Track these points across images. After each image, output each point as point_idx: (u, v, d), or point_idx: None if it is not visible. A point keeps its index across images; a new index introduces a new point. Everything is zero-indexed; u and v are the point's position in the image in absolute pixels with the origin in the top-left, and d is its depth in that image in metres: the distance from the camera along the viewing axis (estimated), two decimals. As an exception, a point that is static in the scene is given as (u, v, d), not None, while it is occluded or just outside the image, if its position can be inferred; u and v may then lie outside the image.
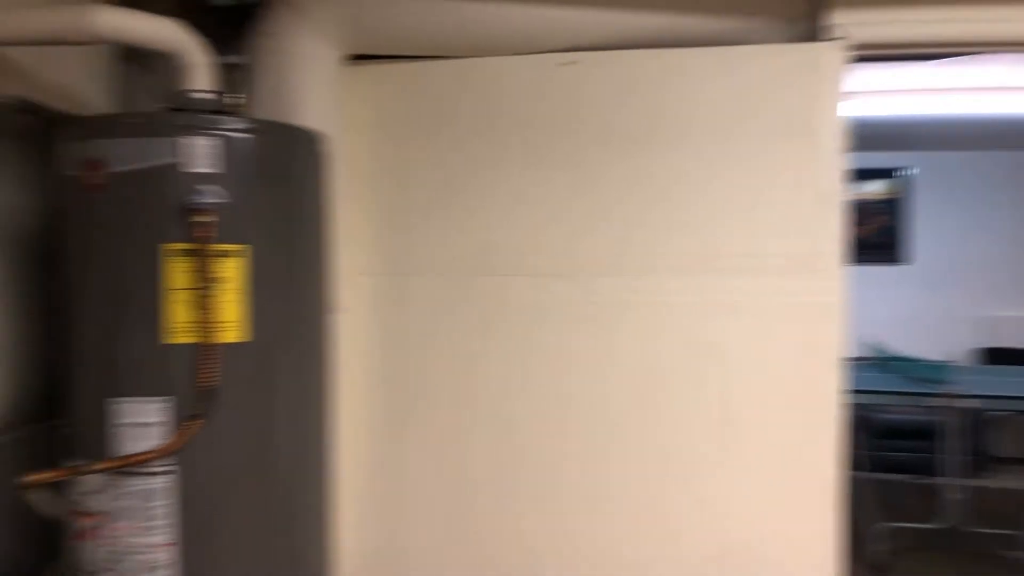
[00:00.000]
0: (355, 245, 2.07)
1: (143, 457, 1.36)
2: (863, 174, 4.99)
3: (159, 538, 1.37)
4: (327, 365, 1.68)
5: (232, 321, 1.42)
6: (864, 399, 3.42)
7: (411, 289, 2.13)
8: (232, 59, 1.98)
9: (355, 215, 2.08)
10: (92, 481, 1.40)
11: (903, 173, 5.11)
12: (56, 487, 1.44)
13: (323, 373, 1.66)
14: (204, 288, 1.38)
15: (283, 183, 1.54)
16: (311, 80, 1.97)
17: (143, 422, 1.37)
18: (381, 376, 2.15)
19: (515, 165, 2.08)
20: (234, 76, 1.98)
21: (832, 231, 1.88)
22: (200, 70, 1.54)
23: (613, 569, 2.05)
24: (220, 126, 1.44)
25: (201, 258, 1.37)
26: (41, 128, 1.65)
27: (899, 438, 4.19)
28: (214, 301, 1.39)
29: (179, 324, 1.38)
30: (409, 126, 2.15)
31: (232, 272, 1.41)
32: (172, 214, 1.37)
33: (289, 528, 1.53)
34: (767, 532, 1.97)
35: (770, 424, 1.94)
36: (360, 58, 2.10)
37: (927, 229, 5.14)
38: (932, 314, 5.09)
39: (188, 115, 1.46)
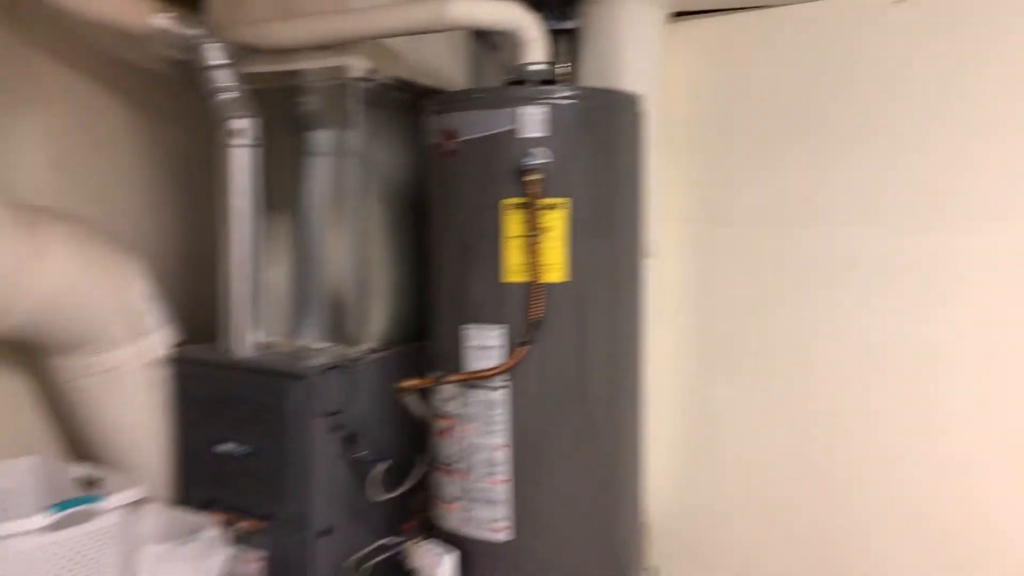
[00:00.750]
0: (671, 195, 2.21)
1: (485, 373, 1.66)
2: None
3: (498, 440, 1.68)
4: (639, 306, 1.86)
5: (555, 264, 1.65)
6: None
7: (727, 238, 2.23)
8: (565, 25, 2.22)
9: (672, 166, 2.21)
10: (448, 391, 1.74)
11: None
12: (422, 394, 1.82)
13: (636, 313, 1.84)
14: (533, 236, 1.63)
15: (603, 143, 1.74)
16: (636, 41, 2.13)
17: (485, 345, 1.68)
18: (695, 323, 2.29)
19: (838, 116, 2.06)
20: (565, 41, 2.21)
21: None
22: (535, 44, 1.78)
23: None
24: (550, 95, 1.67)
25: (531, 211, 1.62)
26: (412, 102, 2.02)
27: None
28: (541, 247, 1.64)
29: (513, 266, 1.66)
30: (728, 78, 2.22)
31: (556, 222, 1.65)
32: (509, 174, 1.64)
33: (603, 445, 1.76)
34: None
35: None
36: (679, 15, 2.21)
37: None
38: None
39: (524, 87, 1.71)
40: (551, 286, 1.66)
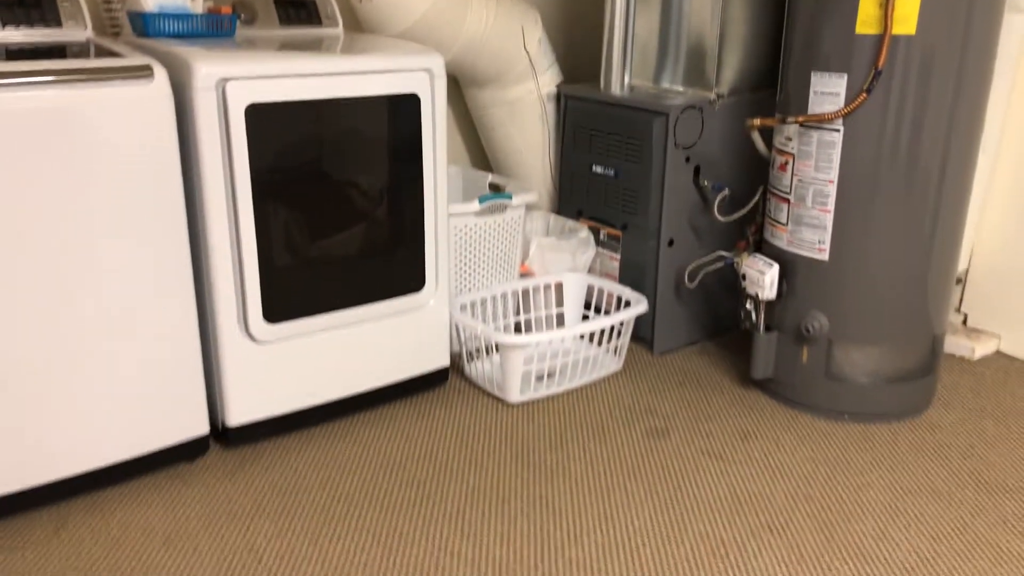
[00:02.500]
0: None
1: (825, 116, 1.90)
2: None
3: (828, 176, 1.95)
4: (990, 68, 1.91)
5: (908, 16, 1.78)
6: None
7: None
8: None
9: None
10: (789, 130, 2.01)
11: None
12: (765, 132, 2.11)
13: (985, 75, 1.90)
14: (888, -11, 1.77)
15: None
16: None
17: (828, 91, 1.90)
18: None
19: None
20: None
21: None
22: None
23: None
24: None
25: (888, -36, 1.74)
26: None
27: None
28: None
29: (867, 17, 1.82)
30: None
31: (913, -25, 1.75)
32: (870, -73, 1.75)
33: (923, 197, 1.94)
34: None
35: None
36: None
37: None
38: None
39: None
40: (899, 38, 1.80)
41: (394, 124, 1.88)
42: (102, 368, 1.61)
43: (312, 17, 2.21)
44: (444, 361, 2.12)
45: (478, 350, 2.20)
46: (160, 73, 1.57)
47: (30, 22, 1.82)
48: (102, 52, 1.64)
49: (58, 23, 1.83)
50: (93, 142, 1.50)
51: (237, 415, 1.84)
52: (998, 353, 2.48)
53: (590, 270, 2.51)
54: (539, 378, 2.22)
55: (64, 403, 1.59)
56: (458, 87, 2.68)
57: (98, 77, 1.49)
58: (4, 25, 1.78)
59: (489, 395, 2.16)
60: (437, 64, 1.92)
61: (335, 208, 1.85)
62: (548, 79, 2.59)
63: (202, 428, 1.79)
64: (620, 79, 2.46)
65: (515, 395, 2.11)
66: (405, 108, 1.88)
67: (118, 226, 1.57)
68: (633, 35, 2.47)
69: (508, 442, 1.95)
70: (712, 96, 2.34)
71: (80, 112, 1.48)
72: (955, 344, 2.48)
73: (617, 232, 2.46)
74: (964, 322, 2.55)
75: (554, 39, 2.69)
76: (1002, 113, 2.30)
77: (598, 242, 2.51)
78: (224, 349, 1.78)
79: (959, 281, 2.54)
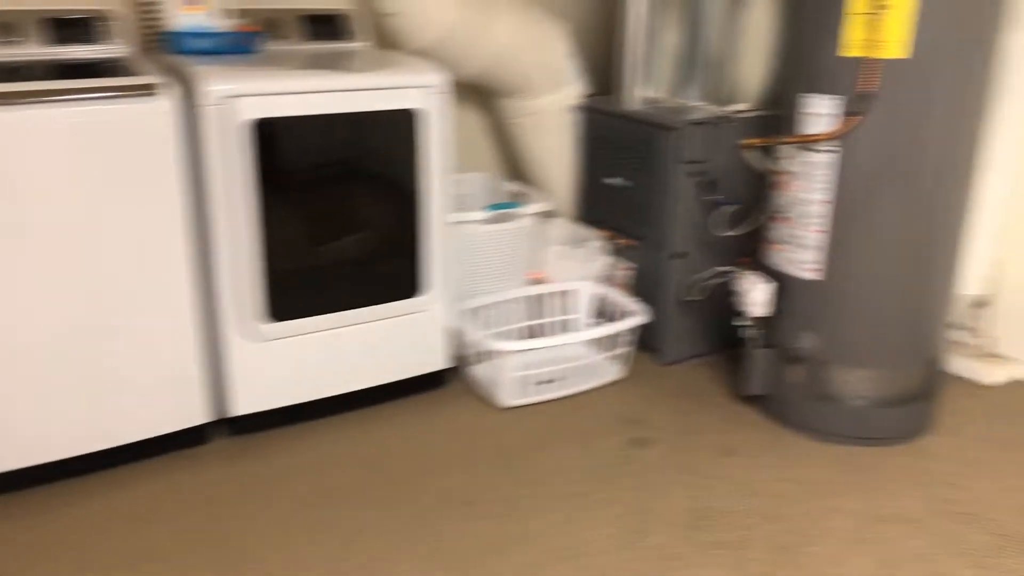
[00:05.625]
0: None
1: (812, 137, 1.91)
2: None
3: (818, 196, 1.95)
4: (991, 84, 1.87)
5: (895, 40, 1.77)
6: None
7: None
8: None
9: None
10: (784, 150, 2.02)
11: None
12: (765, 151, 2.12)
13: (984, 91, 1.87)
14: (875, 12, 1.76)
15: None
16: None
17: (818, 113, 1.90)
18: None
19: None
20: None
21: None
22: None
23: None
24: None
25: (875, -12, 1.74)
26: None
27: None
28: (882, 23, 1.76)
29: (853, 41, 1.81)
30: None
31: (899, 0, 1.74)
32: (858, -49, 1.75)
33: (918, 218, 1.91)
34: None
35: None
36: None
37: None
38: None
39: None
40: (888, 61, 1.79)
41: (393, 137, 1.99)
42: (108, 360, 1.80)
43: (338, 32, 2.35)
44: (440, 364, 2.23)
45: (479, 354, 2.29)
46: (166, 91, 1.73)
47: (78, 40, 2.03)
48: (128, 70, 1.81)
49: (104, 40, 2.03)
50: (106, 154, 1.68)
51: (241, 405, 2.00)
52: (1017, 381, 2.40)
53: (610, 279, 2.56)
54: (542, 382, 2.30)
55: (73, 387, 1.78)
56: (485, 99, 2.78)
57: (109, 95, 1.66)
58: (53, 43, 1.99)
59: (484, 399, 2.25)
60: (437, 81, 2.02)
61: (337, 215, 1.98)
62: (574, 91, 2.66)
63: (201, 418, 1.95)
64: (634, 92, 2.51)
65: (506, 399, 2.20)
66: (404, 122, 1.99)
67: (124, 230, 1.74)
68: (651, 49, 2.51)
69: (491, 445, 2.04)
70: (727, 111, 2.36)
71: (97, 126, 1.65)
72: (969, 368, 2.42)
73: (633, 243, 2.51)
74: (985, 347, 2.48)
75: (584, 52, 2.75)
76: (1017, 131, 2.22)
77: (616, 252, 2.56)
78: (231, 344, 1.94)
79: (983, 304, 2.47)
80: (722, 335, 2.55)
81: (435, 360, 2.22)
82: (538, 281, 2.50)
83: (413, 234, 2.08)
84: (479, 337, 2.18)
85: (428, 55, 2.28)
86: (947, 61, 1.80)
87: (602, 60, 2.80)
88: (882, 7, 1.76)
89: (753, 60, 2.41)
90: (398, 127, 1.99)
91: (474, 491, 1.85)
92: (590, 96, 2.68)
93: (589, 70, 2.73)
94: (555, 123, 2.67)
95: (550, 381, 2.30)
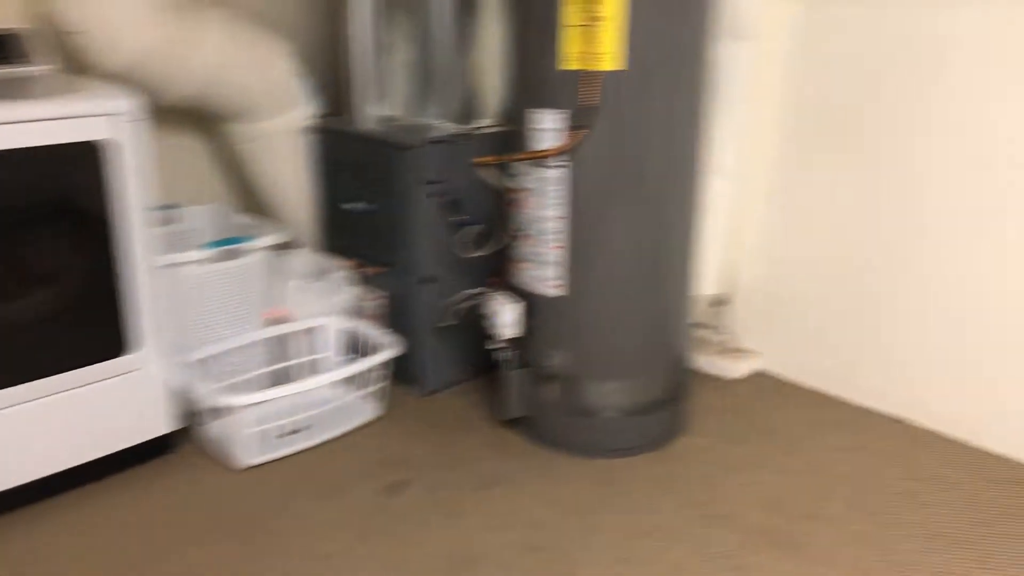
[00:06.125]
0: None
1: (540, 154, 1.87)
2: None
3: (553, 212, 1.91)
4: (706, 91, 1.93)
5: (610, 52, 1.77)
6: None
7: (840, 19, 2.17)
8: None
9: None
10: (517, 167, 1.97)
11: None
12: (502, 169, 2.07)
13: (700, 98, 1.92)
14: (589, 24, 1.75)
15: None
16: None
17: (544, 128, 1.87)
18: (793, 108, 2.30)
19: None
20: None
21: None
22: None
23: (983, 299, 2.05)
24: None
25: (587, 1, 1.72)
26: None
27: None
28: (596, 35, 1.75)
29: (570, 54, 1.79)
30: None
31: (612, 11, 1.73)
32: (565, -37, 1.73)
33: (653, 225, 1.93)
34: None
35: None
36: None
37: None
38: None
39: None
40: (608, 74, 1.79)
41: (77, 174, 1.71)
42: None
43: (13, 55, 2.01)
44: (164, 427, 1.97)
45: (210, 411, 2.05)
46: None
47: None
48: None
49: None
50: None
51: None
52: (759, 373, 2.53)
53: (360, 311, 2.40)
54: (286, 434, 2.09)
55: None
56: (209, 124, 2.53)
57: None
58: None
59: (220, 461, 2.01)
60: (128, 107, 1.76)
61: (14, 271, 1.67)
62: (305, 112, 2.48)
63: None
64: (368, 111, 2.37)
65: (244, 458, 1.98)
66: (89, 156, 1.72)
67: None
68: (382, 66, 2.39)
69: (228, 513, 1.81)
70: (466, 128, 2.28)
71: None
72: (715, 364, 2.51)
73: (382, 270, 2.37)
74: (727, 343, 2.60)
75: (315, 70, 2.57)
76: (740, 138, 2.34)
77: (364, 281, 2.41)
78: None
79: (723, 303, 2.58)
80: (482, 359, 2.47)
81: (157, 424, 1.95)
82: (278, 321, 2.29)
83: (112, 284, 1.80)
84: (207, 392, 1.94)
85: (124, 78, 2.01)
86: (661, 71, 1.82)
87: (334, 79, 2.64)
88: (595, 19, 1.75)
89: (491, 75, 2.36)
90: (82, 162, 1.71)
91: (210, 569, 1.62)
92: (324, 117, 2.51)
93: (322, 90, 2.56)
94: (287, 147, 2.47)
95: (295, 432, 2.10)
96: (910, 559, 1.68)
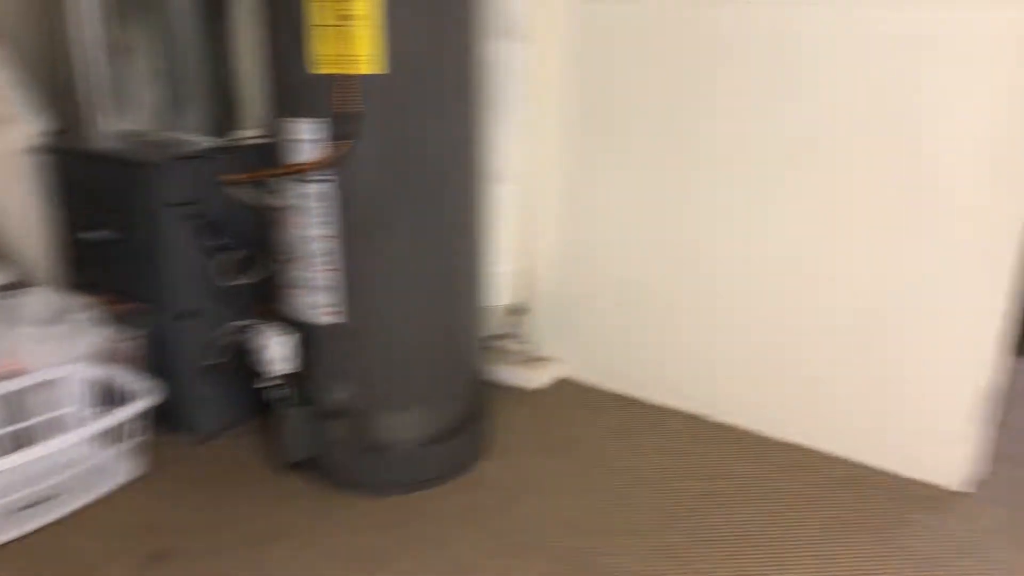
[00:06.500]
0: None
1: (301, 167, 1.67)
2: None
3: (318, 231, 1.72)
4: (482, 93, 1.81)
5: (367, 54, 1.60)
6: None
7: (617, 16, 2.12)
8: None
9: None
10: (277, 184, 1.76)
11: None
12: (258, 185, 1.85)
13: (475, 101, 1.79)
14: (342, 24, 1.57)
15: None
16: None
17: (300, 139, 1.67)
18: (576, 109, 2.24)
19: None
20: None
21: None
22: None
23: (769, 291, 2.08)
24: None
25: (334, -3, 1.55)
26: None
27: None
28: (349, 36, 1.57)
29: (324, 57, 1.61)
30: None
31: (365, 10, 1.57)
32: (307, -45, 1.54)
33: (433, 238, 1.79)
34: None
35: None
36: None
37: None
38: None
39: None
40: (368, 78, 1.62)
41: None
42: None
43: None
44: None
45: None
46: None
47: None
48: None
49: None
50: None
51: None
52: (562, 380, 2.46)
53: (114, 355, 2.08)
54: (25, 508, 1.77)
55: None
56: None
57: None
58: None
59: (-63, 550, 1.67)
60: None
61: None
62: (29, 129, 2.13)
63: None
64: (105, 126, 2.07)
65: (-37, 548, 1.65)
66: None
67: None
68: (120, 73, 2.09)
69: (-62, 621, 1.49)
70: (225, 142, 2.04)
71: None
72: (516, 375, 2.42)
73: (135, 307, 2.07)
74: (528, 352, 2.51)
75: (41, 81, 2.22)
76: (525, 141, 2.25)
77: (117, 321, 2.09)
78: None
79: (521, 311, 2.49)
80: (260, 397, 2.23)
81: None
82: (9, 375, 1.94)
83: None
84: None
85: None
86: (429, 74, 1.68)
87: (66, 89, 2.29)
88: (347, 18, 1.57)
89: (252, 81, 2.12)
90: None
91: None
92: (55, 134, 2.17)
93: (52, 103, 2.21)
94: (9, 171, 2.12)
95: (34, 504, 1.78)
96: (712, 565, 1.65)
